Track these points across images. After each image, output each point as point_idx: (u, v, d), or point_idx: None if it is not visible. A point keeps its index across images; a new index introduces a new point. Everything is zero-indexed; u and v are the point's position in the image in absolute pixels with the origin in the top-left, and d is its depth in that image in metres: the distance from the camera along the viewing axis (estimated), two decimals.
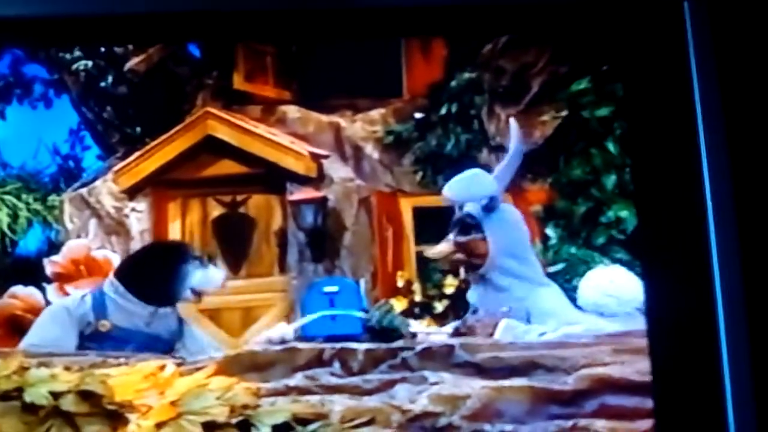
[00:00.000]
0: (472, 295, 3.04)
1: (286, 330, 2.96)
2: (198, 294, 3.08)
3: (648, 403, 2.44)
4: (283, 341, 2.90)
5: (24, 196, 3.47)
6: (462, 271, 3.14)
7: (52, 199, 3.55)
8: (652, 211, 2.48)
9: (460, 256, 3.07)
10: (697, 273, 2.41)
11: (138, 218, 3.54)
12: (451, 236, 3.08)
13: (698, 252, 2.42)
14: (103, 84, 3.64)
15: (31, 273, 3.21)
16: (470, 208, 3.07)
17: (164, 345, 2.95)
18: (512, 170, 3.11)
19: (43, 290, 3.16)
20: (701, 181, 2.44)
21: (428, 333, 2.97)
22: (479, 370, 2.59)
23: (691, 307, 2.41)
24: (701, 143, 2.46)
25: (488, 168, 3.23)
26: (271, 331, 3.00)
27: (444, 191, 3.11)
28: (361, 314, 2.93)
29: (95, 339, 2.95)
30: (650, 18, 2.54)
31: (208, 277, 3.10)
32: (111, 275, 3.08)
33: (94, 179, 3.60)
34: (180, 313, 3.07)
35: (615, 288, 2.91)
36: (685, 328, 2.41)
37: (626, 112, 2.62)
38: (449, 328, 2.98)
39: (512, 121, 3.16)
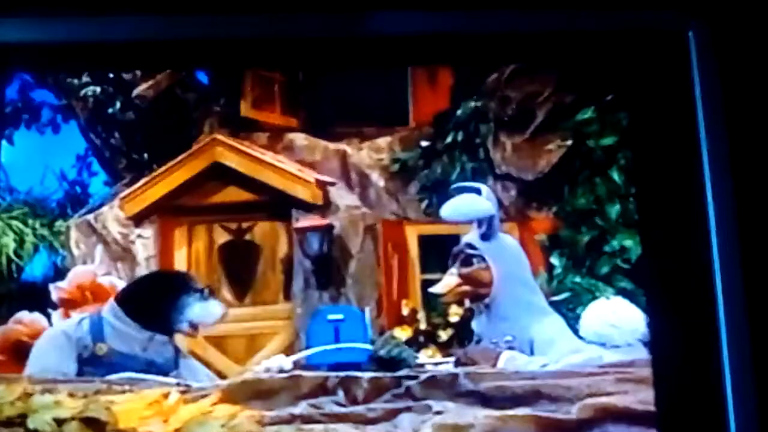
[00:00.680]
0: (476, 324, 3.04)
1: (284, 361, 2.96)
2: (195, 327, 3.08)
3: None
4: (281, 371, 2.91)
5: (30, 222, 3.47)
6: (467, 302, 3.13)
7: (59, 224, 3.55)
8: (656, 240, 2.48)
9: (465, 288, 3.06)
10: (701, 302, 2.41)
11: (144, 245, 3.54)
12: (453, 269, 3.08)
13: (702, 281, 2.42)
14: (110, 110, 3.65)
15: (37, 298, 3.20)
16: (469, 238, 3.07)
17: (158, 372, 2.94)
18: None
19: (48, 316, 3.15)
20: (705, 210, 2.44)
21: (435, 363, 2.96)
22: (483, 399, 2.59)
23: (695, 336, 2.40)
24: (706, 173, 2.46)
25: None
26: (270, 360, 2.99)
27: (442, 212, 3.12)
28: (367, 346, 2.93)
29: (92, 363, 2.94)
30: (655, 47, 2.54)
31: (207, 310, 3.09)
32: (112, 300, 3.08)
33: (101, 205, 3.61)
34: (177, 343, 3.06)
35: (617, 319, 2.90)
36: (688, 358, 2.40)
37: (631, 141, 2.62)
38: (453, 358, 2.98)
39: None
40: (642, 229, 2.56)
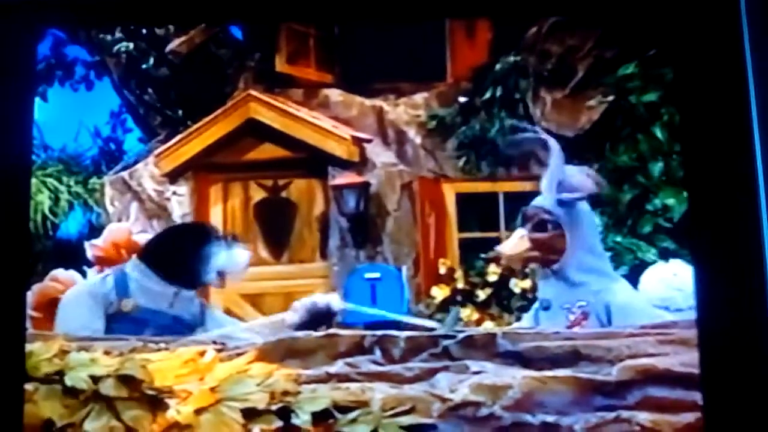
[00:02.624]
0: (544, 290, 2.96)
1: (335, 300, 2.95)
2: (222, 276, 3.07)
3: (692, 396, 2.42)
4: (328, 309, 2.92)
5: (65, 179, 3.49)
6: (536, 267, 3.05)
7: (93, 182, 3.56)
8: (703, 197, 2.44)
9: (535, 253, 2.98)
10: (748, 262, 2.37)
11: (179, 202, 3.55)
12: (523, 231, 2.96)
13: (750, 241, 2.38)
14: (144, 66, 3.65)
15: (73, 256, 3.21)
16: (544, 202, 2.95)
17: (186, 328, 2.94)
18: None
19: (84, 274, 3.16)
20: (754, 167, 2.40)
21: None
22: (521, 359, 2.57)
23: (742, 297, 2.37)
24: (754, 128, 2.41)
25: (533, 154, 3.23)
26: (320, 296, 2.98)
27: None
28: (433, 324, 2.92)
29: (118, 320, 2.95)
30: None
31: (233, 257, 3.06)
32: (134, 256, 3.07)
33: (136, 162, 3.62)
34: (203, 298, 3.07)
35: (679, 281, 2.85)
36: (735, 318, 2.37)
37: (676, 96, 2.57)
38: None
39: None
40: (689, 187, 2.51)
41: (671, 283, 2.86)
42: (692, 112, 2.48)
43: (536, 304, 2.96)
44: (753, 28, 2.43)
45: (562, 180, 2.94)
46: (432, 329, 2.82)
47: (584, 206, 2.98)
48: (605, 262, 2.97)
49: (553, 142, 2.96)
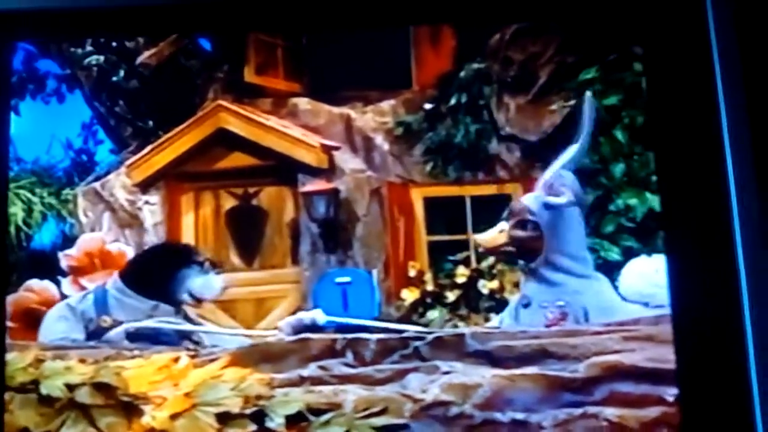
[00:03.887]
0: (525, 287, 2.99)
1: (319, 315, 2.97)
2: (197, 299, 3.11)
3: (657, 390, 2.45)
4: (314, 325, 2.95)
5: (38, 191, 3.49)
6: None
7: (66, 193, 3.57)
8: (674, 193, 2.46)
9: (511, 249, 3.02)
10: (721, 259, 2.39)
11: (151, 211, 3.56)
12: (505, 225, 3.01)
13: (722, 238, 2.39)
14: (114, 78, 3.65)
15: (46, 266, 3.23)
16: (531, 201, 3.00)
17: (169, 340, 2.97)
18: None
19: (58, 283, 3.19)
20: (724, 160, 2.41)
21: None
22: (490, 358, 2.60)
23: (716, 293, 2.38)
24: (723, 122, 2.43)
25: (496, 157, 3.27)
26: (303, 313, 3.01)
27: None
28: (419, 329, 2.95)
29: (97, 336, 2.97)
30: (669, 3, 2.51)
31: (207, 283, 3.14)
32: (115, 274, 3.11)
33: (108, 173, 3.62)
34: (188, 313, 3.10)
35: (661, 277, 2.86)
36: (709, 316, 2.39)
37: (645, 100, 2.59)
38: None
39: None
40: (660, 182, 2.51)
41: (652, 279, 2.83)
42: (661, 107, 2.49)
43: (515, 300, 3.01)
44: (720, 29, 2.46)
45: (553, 183, 2.99)
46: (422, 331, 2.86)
47: (574, 213, 3.00)
48: (582, 265, 2.98)
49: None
